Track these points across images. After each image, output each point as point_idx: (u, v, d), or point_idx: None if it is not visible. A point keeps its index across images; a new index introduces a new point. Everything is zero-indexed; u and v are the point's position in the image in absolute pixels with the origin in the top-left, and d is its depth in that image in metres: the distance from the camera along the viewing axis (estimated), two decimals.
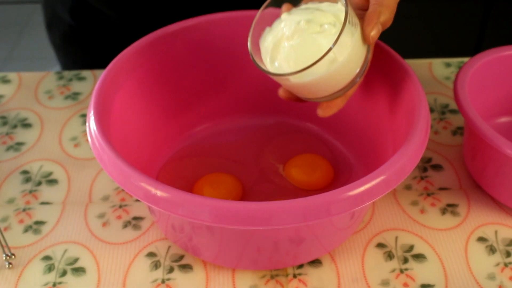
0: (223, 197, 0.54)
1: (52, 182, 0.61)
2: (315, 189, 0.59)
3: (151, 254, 0.54)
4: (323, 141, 0.64)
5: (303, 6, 0.48)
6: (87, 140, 0.49)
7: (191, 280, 0.52)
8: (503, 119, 0.65)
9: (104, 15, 0.72)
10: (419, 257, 0.53)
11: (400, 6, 0.49)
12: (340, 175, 0.60)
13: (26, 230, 0.56)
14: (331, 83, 0.46)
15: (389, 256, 0.54)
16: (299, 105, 0.53)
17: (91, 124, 0.49)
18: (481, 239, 0.55)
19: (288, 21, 0.47)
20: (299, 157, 0.61)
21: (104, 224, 0.57)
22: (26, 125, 0.68)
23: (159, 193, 0.43)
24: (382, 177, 0.44)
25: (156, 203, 0.43)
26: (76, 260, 0.54)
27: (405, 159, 0.45)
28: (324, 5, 0.47)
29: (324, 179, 0.59)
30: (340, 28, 0.44)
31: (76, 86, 0.72)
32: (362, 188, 0.43)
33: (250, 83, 0.64)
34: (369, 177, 0.43)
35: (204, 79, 0.62)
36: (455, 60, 0.75)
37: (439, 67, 0.74)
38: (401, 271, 0.52)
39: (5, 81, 0.73)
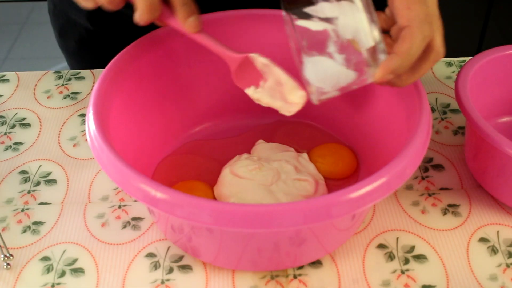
0: None
1: (51, 182, 0.61)
2: (340, 178, 0.59)
3: (150, 255, 0.54)
4: (324, 140, 0.64)
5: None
6: (86, 140, 0.49)
7: (190, 281, 0.52)
8: (505, 119, 0.64)
9: (125, 15, 0.70)
10: (420, 258, 0.53)
11: None
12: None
13: (24, 231, 0.56)
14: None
15: (390, 257, 0.53)
16: None
17: (90, 124, 0.48)
18: (482, 240, 0.55)
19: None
20: (323, 146, 0.61)
21: (103, 225, 0.56)
22: (24, 124, 0.67)
23: (158, 194, 0.42)
24: (383, 180, 0.43)
25: (155, 204, 0.43)
26: (75, 260, 0.54)
27: (406, 162, 0.45)
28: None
29: (349, 168, 0.60)
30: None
31: (75, 86, 0.72)
32: (363, 191, 0.42)
33: None
34: (370, 179, 0.43)
35: (203, 79, 0.62)
36: (456, 60, 0.74)
37: (440, 67, 0.73)
38: (402, 272, 0.52)
39: (4, 80, 0.73)
